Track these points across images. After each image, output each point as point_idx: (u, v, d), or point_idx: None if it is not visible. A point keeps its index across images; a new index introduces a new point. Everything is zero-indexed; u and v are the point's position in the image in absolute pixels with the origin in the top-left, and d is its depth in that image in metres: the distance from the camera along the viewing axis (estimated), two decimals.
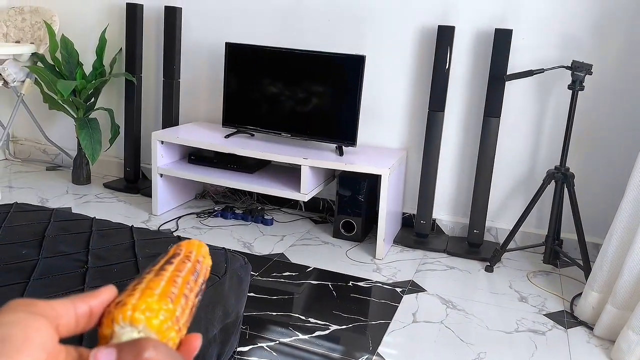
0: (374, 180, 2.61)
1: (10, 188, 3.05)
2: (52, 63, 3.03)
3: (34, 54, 3.06)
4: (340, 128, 2.60)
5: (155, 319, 0.36)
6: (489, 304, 2.15)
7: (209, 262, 0.47)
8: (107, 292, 0.38)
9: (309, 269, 2.32)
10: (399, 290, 2.20)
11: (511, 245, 2.49)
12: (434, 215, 2.76)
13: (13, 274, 1.32)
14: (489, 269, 2.43)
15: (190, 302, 0.40)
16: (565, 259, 2.48)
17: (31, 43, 3.15)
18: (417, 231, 2.68)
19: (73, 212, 2.62)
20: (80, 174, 3.17)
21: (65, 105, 3.02)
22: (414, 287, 2.23)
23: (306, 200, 2.56)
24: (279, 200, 2.99)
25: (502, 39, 2.41)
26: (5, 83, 2.98)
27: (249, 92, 2.75)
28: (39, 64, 3.05)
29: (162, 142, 2.72)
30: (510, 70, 2.46)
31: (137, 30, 3.01)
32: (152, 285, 0.38)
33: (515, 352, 1.84)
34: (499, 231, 2.70)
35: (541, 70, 2.28)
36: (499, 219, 2.72)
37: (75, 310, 0.36)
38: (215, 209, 2.90)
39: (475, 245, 2.61)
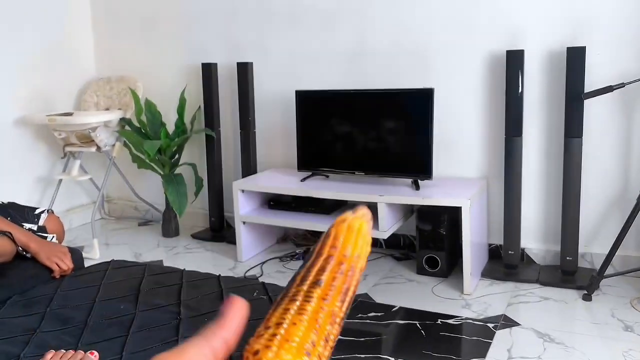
0: (454, 213, 2.55)
1: (107, 245, 3.25)
2: (138, 125, 3.25)
3: (122, 119, 3.30)
4: (415, 162, 2.59)
5: None
6: (590, 335, 2.01)
7: (365, 253, 0.42)
8: (236, 319, 0.37)
9: (394, 308, 2.28)
10: (491, 325, 2.11)
11: (609, 270, 2.33)
12: (523, 245, 2.65)
13: (114, 328, 1.40)
14: (587, 298, 2.29)
15: (331, 342, 0.38)
16: None
17: (119, 109, 3.41)
18: (505, 262, 2.58)
19: (164, 265, 2.76)
20: (170, 227, 3.33)
21: (152, 164, 3.22)
22: (507, 322, 2.14)
23: (385, 237, 2.54)
24: None
25: (575, 57, 2.33)
26: (98, 148, 3.23)
27: (321, 135, 2.81)
28: (127, 127, 3.28)
29: (243, 191, 2.82)
30: (588, 87, 2.36)
31: (213, 88, 3.18)
32: (292, 331, 0.36)
33: None
34: (595, 256, 2.55)
35: (621, 85, 2.18)
36: (594, 244, 2.57)
37: (212, 349, 0.35)
38: (297, 252, 2.94)
39: (569, 273, 2.47)
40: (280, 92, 3.14)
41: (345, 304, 0.40)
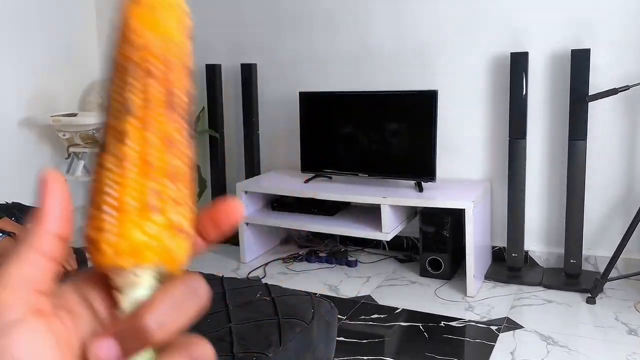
0: (458, 215, 2.55)
1: None
2: None
3: None
4: (418, 164, 2.58)
5: (149, 252, 0.27)
6: (594, 338, 2.00)
7: (183, 28, 0.29)
8: (57, 201, 0.28)
9: (397, 310, 2.28)
10: (494, 328, 2.10)
11: (613, 273, 2.32)
12: (526, 247, 2.64)
13: None
14: (591, 301, 2.28)
15: (182, 173, 0.28)
16: None
17: None
18: (509, 265, 2.58)
19: None
20: None
21: None
22: (510, 324, 2.13)
23: (389, 239, 2.54)
24: (361, 241, 2.98)
25: (579, 59, 2.33)
26: None
27: (325, 136, 2.81)
28: None
29: (246, 192, 2.82)
30: (592, 90, 2.35)
31: (217, 89, 3.19)
32: (121, 196, 0.27)
33: None
34: (599, 259, 2.54)
35: (626, 87, 2.17)
36: (597, 246, 2.56)
37: (41, 253, 0.26)
38: (300, 253, 2.94)
39: (573, 276, 2.46)
40: (284, 94, 3.14)
41: (178, 110, 0.28)
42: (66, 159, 3.37)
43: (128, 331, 0.26)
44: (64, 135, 3.20)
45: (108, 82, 0.28)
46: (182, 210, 0.28)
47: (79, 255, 1.85)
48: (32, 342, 0.25)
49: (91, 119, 3.12)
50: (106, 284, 0.28)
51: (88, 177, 3.32)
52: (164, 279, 0.28)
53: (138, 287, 0.27)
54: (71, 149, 3.29)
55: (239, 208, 0.30)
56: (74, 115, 3.24)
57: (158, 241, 0.27)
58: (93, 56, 3.71)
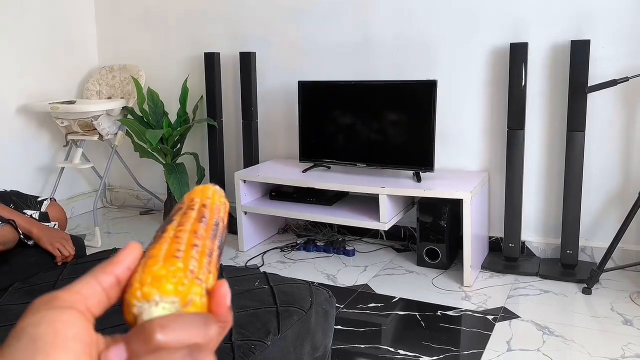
0: (455, 205, 2.56)
1: (108, 233, 3.26)
2: (141, 114, 3.25)
3: (124, 108, 3.29)
4: (417, 154, 2.59)
5: (168, 283, 0.33)
6: (589, 328, 2.02)
7: (219, 201, 0.42)
8: (130, 254, 0.36)
9: (394, 299, 2.29)
10: (490, 317, 2.12)
11: (609, 264, 2.34)
12: (523, 237, 2.66)
13: (117, 315, 1.40)
14: (587, 291, 2.30)
15: (205, 249, 0.37)
16: None
17: (121, 98, 3.40)
18: (505, 255, 2.59)
19: None
20: None
21: (154, 153, 3.22)
22: (506, 314, 2.15)
23: (386, 229, 2.55)
24: (359, 230, 2.99)
25: (579, 50, 2.32)
26: (100, 136, 3.23)
27: (323, 126, 2.81)
28: (129, 116, 3.28)
29: (245, 181, 2.82)
30: (592, 81, 2.36)
31: (216, 77, 3.18)
32: (153, 253, 0.36)
33: None
34: (595, 250, 2.55)
35: (625, 79, 2.17)
36: (594, 237, 2.57)
37: (101, 285, 0.34)
38: (298, 242, 2.95)
39: (569, 267, 2.48)
40: (282, 83, 3.14)
41: (210, 228, 0.39)
42: (64, 146, 3.36)
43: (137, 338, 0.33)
44: (62, 122, 3.20)
45: (165, 223, 0.39)
46: (202, 263, 0.36)
47: (77, 242, 1.85)
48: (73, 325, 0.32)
49: (89, 107, 3.11)
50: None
51: (86, 165, 3.33)
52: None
53: (153, 309, 0.34)
54: (69, 137, 3.28)
55: (225, 289, 0.36)
56: (73, 102, 3.23)
57: (176, 277, 0.34)
58: (92, 44, 3.69)
